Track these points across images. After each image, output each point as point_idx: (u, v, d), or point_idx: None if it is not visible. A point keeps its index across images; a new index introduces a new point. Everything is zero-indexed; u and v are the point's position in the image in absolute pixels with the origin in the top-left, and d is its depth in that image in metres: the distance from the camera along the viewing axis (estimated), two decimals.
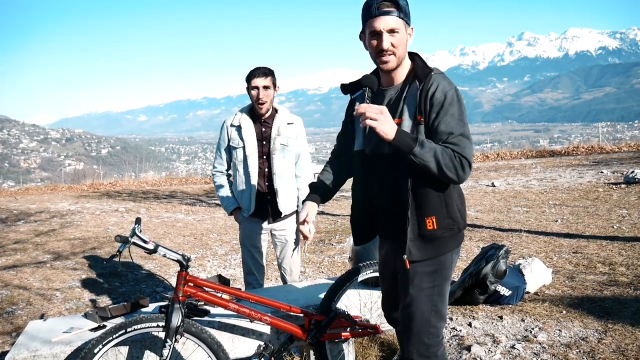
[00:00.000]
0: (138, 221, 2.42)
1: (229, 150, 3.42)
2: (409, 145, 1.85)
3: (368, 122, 1.84)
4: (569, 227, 6.26)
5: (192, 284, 2.43)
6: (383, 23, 1.95)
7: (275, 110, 3.40)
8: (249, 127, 3.33)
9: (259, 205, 3.39)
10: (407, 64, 2.09)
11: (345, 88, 2.22)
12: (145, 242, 2.34)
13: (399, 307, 2.18)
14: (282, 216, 3.43)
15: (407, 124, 1.97)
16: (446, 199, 2.03)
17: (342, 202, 9.46)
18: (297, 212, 3.53)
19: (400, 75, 2.08)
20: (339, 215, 8.32)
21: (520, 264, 4.21)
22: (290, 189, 3.43)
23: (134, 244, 2.32)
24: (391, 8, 1.95)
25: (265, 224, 3.45)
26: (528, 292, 4.04)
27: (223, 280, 2.99)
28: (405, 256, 2.03)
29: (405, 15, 1.98)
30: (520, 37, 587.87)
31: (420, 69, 2.04)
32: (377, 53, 2.00)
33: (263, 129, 3.36)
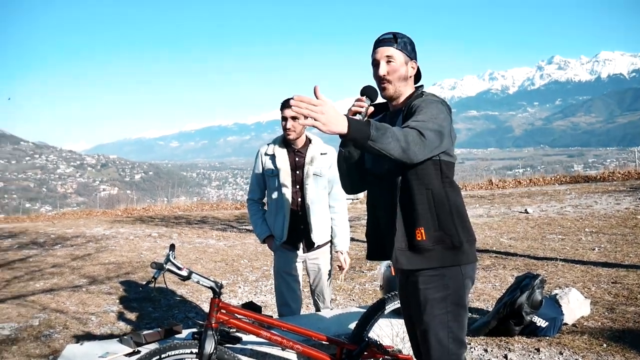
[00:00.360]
0: (172, 247, 2.47)
1: (263, 178, 3.47)
2: (366, 132, 1.71)
3: (310, 122, 1.68)
4: (607, 255, 6.08)
5: (224, 311, 2.45)
6: (380, 52, 2.10)
7: (309, 140, 3.44)
8: (282, 156, 3.38)
9: (291, 234, 3.38)
10: (409, 93, 2.15)
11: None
12: (179, 268, 2.38)
13: (418, 337, 2.15)
14: (315, 247, 3.42)
15: None
16: (437, 211, 2.02)
17: None
18: (331, 242, 3.52)
19: (403, 104, 2.16)
20: None
21: (556, 294, 4.10)
22: (324, 218, 3.42)
23: (169, 270, 2.37)
24: (389, 40, 2.10)
25: (300, 253, 3.44)
26: (566, 324, 3.92)
27: (254, 307, 3.00)
28: (391, 262, 2.07)
29: (404, 49, 2.10)
30: (550, 60, 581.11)
31: (415, 95, 2.11)
32: (378, 81, 2.12)
33: (297, 159, 3.39)
